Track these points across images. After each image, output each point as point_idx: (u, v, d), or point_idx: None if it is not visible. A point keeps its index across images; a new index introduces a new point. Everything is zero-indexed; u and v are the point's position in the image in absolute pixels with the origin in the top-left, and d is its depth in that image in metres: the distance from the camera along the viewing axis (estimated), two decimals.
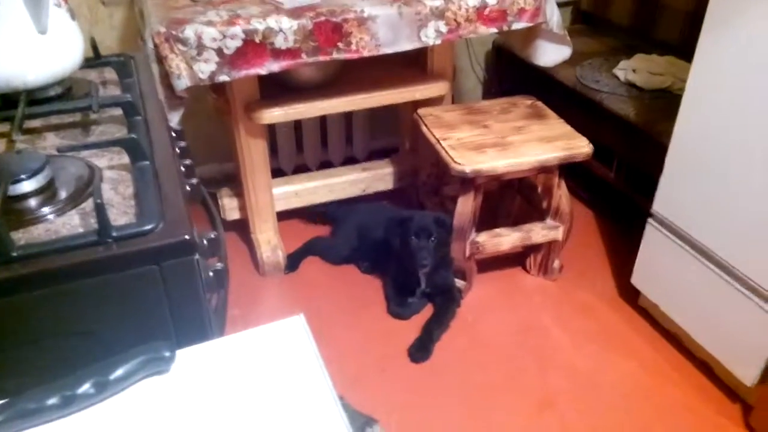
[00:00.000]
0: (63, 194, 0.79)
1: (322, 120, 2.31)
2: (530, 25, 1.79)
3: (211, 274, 0.85)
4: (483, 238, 1.84)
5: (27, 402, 0.51)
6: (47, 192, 0.78)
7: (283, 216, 2.06)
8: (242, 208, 2.05)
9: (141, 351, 0.56)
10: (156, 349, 0.57)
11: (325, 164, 2.35)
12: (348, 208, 2.13)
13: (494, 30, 1.77)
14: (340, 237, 2.09)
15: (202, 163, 2.36)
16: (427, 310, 1.86)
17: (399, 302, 1.87)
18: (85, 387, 0.52)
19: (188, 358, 0.59)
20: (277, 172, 2.19)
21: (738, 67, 1.35)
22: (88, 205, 0.78)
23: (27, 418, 0.51)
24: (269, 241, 2.00)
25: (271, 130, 2.24)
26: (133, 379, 0.55)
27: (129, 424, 0.53)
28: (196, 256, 0.74)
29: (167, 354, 0.57)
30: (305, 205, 2.09)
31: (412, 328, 1.79)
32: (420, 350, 1.71)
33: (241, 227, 2.11)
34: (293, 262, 2.04)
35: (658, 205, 1.64)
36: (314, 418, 0.55)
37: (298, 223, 2.19)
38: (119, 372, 0.54)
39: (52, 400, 0.51)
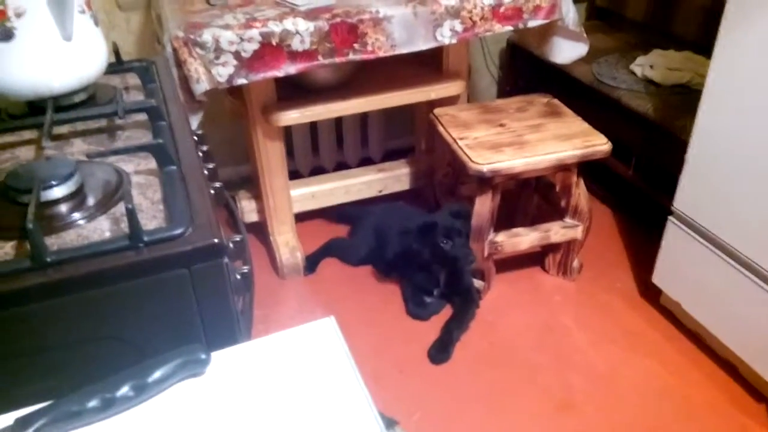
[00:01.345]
0: (92, 200, 0.80)
1: (338, 121, 2.32)
2: (546, 22, 1.78)
3: (238, 276, 0.85)
4: (501, 238, 1.83)
5: (69, 404, 0.52)
6: (77, 197, 0.79)
7: (300, 217, 2.07)
8: (260, 210, 2.06)
9: (177, 354, 0.57)
10: (192, 352, 0.58)
11: (341, 165, 2.35)
12: (365, 209, 2.14)
13: (510, 28, 1.76)
14: (358, 238, 2.09)
15: (219, 166, 2.36)
16: (446, 311, 1.86)
17: (418, 303, 1.87)
18: (125, 389, 0.53)
19: (223, 360, 0.60)
20: (293, 174, 2.20)
21: (758, 61, 1.34)
22: (118, 210, 0.78)
23: (69, 420, 0.52)
24: (288, 243, 2.01)
25: (287, 132, 2.25)
26: (170, 382, 0.56)
27: (166, 426, 0.54)
28: (225, 260, 0.75)
29: (203, 356, 0.58)
30: (322, 206, 2.10)
31: (431, 328, 1.79)
32: (440, 351, 1.71)
33: (259, 229, 2.12)
34: (312, 263, 2.05)
35: (679, 203, 1.63)
36: (349, 419, 0.55)
37: (316, 225, 2.20)
38: (157, 374, 0.55)
39: (92, 403, 0.52)
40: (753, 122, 1.38)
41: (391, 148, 2.45)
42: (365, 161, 2.38)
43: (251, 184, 2.14)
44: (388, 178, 2.15)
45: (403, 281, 1.95)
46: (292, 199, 2.01)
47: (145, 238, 0.71)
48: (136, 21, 2.07)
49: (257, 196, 2.05)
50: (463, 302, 1.85)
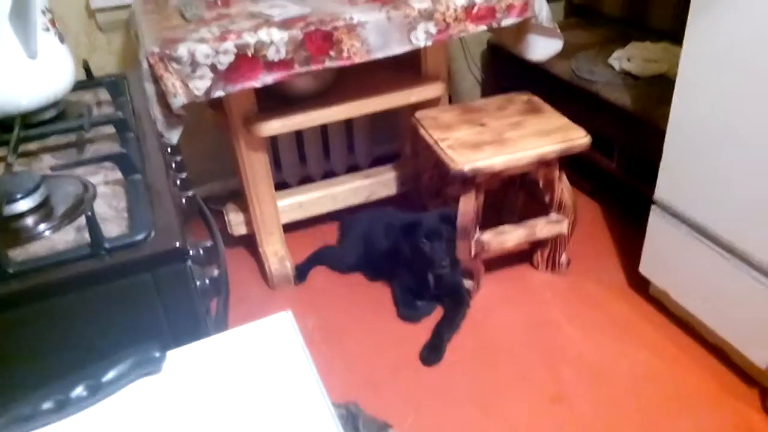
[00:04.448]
0: (59, 211, 0.81)
1: (324, 131, 2.33)
2: (519, 20, 1.80)
3: (207, 281, 0.86)
4: (488, 236, 1.84)
5: (22, 407, 0.52)
6: (43, 210, 0.81)
7: (289, 228, 2.08)
8: (249, 222, 2.07)
9: (132, 353, 0.58)
10: (146, 350, 0.58)
11: (329, 174, 2.36)
12: (354, 216, 2.15)
13: (484, 28, 1.78)
14: (347, 245, 2.10)
15: (207, 181, 2.40)
16: (437, 313, 1.86)
17: (408, 306, 1.87)
18: (78, 390, 0.54)
19: (179, 358, 0.60)
20: (282, 186, 2.21)
21: (727, 47, 1.35)
22: (83, 220, 0.79)
23: (23, 423, 0.52)
24: (276, 253, 2.02)
25: (274, 143, 2.27)
26: (124, 381, 0.57)
27: (123, 425, 0.54)
28: (188, 263, 0.76)
29: (157, 355, 0.58)
30: (310, 215, 2.10)
31: (422, 331, 1.79)
32: (431, 353, 1.71)
33: (250, 242, 2.13)
34: (302, 272, 2.05)
35: (660, 191, 1.63)
36: (303, 412, 0.55)
37: (305, 234, 2.21)
38: (111, 374, 0.55)
39: (46, 405, 0.52)
40: (725, 107, 1.38)
41: (379, 155, 2.46)
42: (353, 169, 2.39)
43: (239, 197, 2.14)
44: (375, 184, 2.16)
45: (393, 285, 1.95)
46: (280, 210, 2.02)
47: (107, 245, 0.72)
48: (117, 42, 2.10)
49: (245, 208, 2.06)
50: (454, 303, 1.85)
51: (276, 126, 1.82)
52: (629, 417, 1.49)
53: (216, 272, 0.89)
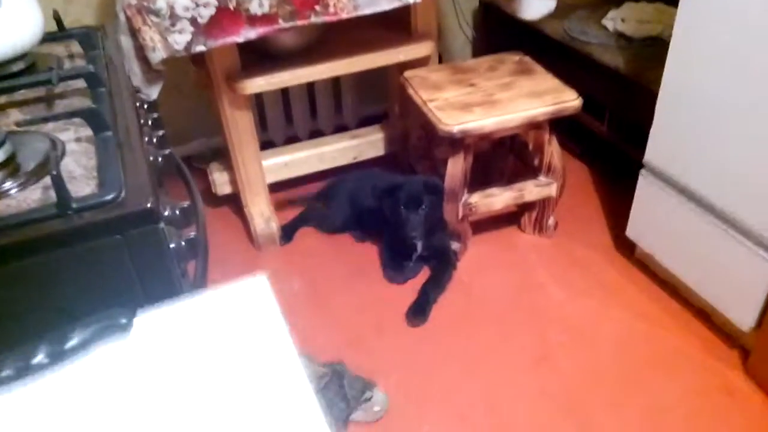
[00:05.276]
0: (25, 169, 0.78)
1: (310, 89, 2.28)
2: None
3: (183, 243, 0.84)
4: (475, 198, 1.82)
5: None
6: (9, 167, 0.77)
7: (275, 187, 2.05)
8: (233, 182, 2.04)
9: (97, 318, 0.56)
10: (112, 316, 0.56)
11: (316, 134, 2.32)
12: (340, 176, 2.12)
13: None
14: (334, 206, 2.08)
15: (191, 139, 2.35)
16: (424, 274, 1.85)
17: (395, 267, 1.87)
18: (40, 357, 0.52)
19: (146, 321, 0.59)
20: (268, 145, 2.17)
21: (723, 10, 1.30)
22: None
23: None
24: (262, 214, 1.99)
25: (259, 102, 2.22)
26: (89, 347, 0.55)
27: (88, 391, 0.53)
28: (161, 225, 0.73)
29: (124, 321, 0.56)
30: (296, 175, 2.07)
31: (408, 292, 1.79)
32: (417, 313, 1.71)
33: (235, 201, 2.10)
34: (288, 233, 2.04)
35: (650, 155, 1.61)
36: (277, 375, 0.54)
37: (292, 194, 2.18)
38: (74, 341, 0.53)
39: (5, 372, 0.51)
40: (718, 72, 1.35)
41: (366, 115, 2.42)
42: (340, 129, 2.34)
43: (224, 156, 2.10)
44: (363, 144, 2.12)
45: (380, 246, 1.94)
46: (265, 169, 1.98)
47: (74, 205, 0.69)
48: None
49: (230, 167, 2.02)
50: (440, 264, 1.84)
51: (260, 83, 1.77)
52: (613, 378, 1.51)
53: (192, 234, 0.87)
